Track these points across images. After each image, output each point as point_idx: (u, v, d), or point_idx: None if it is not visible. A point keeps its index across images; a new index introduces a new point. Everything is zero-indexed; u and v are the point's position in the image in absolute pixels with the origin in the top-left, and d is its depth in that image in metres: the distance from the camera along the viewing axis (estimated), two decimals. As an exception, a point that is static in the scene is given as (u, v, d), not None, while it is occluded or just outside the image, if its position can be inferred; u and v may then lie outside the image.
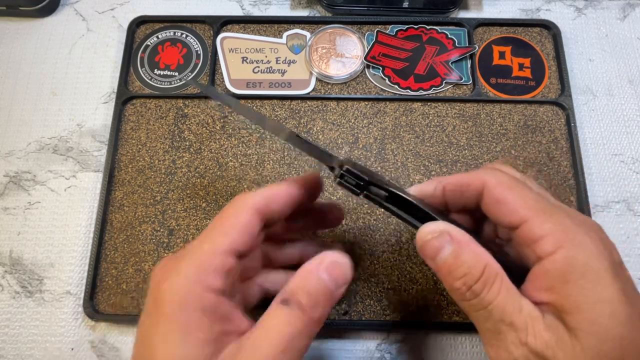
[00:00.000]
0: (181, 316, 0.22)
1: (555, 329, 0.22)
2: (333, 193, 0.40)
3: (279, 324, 0.23)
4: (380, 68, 0.44)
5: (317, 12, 0.48)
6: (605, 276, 0.22)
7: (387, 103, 0.43)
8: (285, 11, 0.48)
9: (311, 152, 0.27)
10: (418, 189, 0.28)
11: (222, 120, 0.43)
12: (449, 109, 0.43)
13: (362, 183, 0.26)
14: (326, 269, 0.24)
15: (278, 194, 0.26)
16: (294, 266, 0.27)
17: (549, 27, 0.46)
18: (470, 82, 0.44)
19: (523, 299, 0.23)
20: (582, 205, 0.39)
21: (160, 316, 0.22)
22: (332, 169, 0.26)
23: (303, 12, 0.48)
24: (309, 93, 0.44)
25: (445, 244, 0.24)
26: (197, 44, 0.46)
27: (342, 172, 0.25)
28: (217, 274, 0.23)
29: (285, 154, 0.42)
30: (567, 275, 0.22)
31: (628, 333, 0.21)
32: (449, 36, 0.45)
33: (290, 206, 0.27)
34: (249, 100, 0.43)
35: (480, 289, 0.23)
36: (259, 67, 0.45)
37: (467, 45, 0.45)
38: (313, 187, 0.28)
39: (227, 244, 0.24)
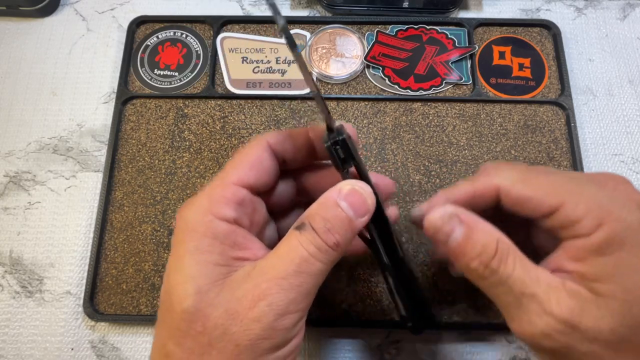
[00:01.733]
0: (192, 242, 0.23)
1: (578, 294, 0.22)
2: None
3: (291, 245, 0.23)
4: (380, 68, 0.44)
5: (317, 12, 0.48)
6: None
7: (387, 103, 0.43)
8: (285, 11, 0.48)
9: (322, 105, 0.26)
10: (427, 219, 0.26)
11: (222, 120, 0.43)
12: (449, 109, 0.43)
13: (349, 161, 0.25)
14: (345, 197, 0.24)
15: (295, 133, 0.27)
16: None
17: (549, 27, 0.46)
18: (470, 82, 0.44)
19: (539, 268, 0.23)
20: (582, 205, 0.39)
21: (176, 244, 0.24)
22: (330, 130, 0.25)
23: (303, 12, 0.48)
24: (309, 93, 0.44)
25: (456, 227, 0.24)
26: (197, 44, 0.46)
27: (337, 139, 0.24)
28: (229, 204, 0.24)
29: (285, 154, 0.42)
30: (604, 249, 0.22)
31: None
32: (449, 36, 0.45)
33: (306, 147, 0.27)
34: (249, 100, 0.43)
35: (497, 265, 0.23)
36: (259, 67, 0.45)
37: (467, 45, 0.45)
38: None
39: (237, 176, 0.25)
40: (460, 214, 0.24)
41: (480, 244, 0.23)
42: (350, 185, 0.24)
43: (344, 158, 0.25)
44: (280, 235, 0.29)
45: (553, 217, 0.24)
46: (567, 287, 0.23)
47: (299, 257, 0.23)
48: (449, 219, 0.24)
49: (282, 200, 0.29)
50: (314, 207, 0.24)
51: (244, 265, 0.24)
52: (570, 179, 0.25)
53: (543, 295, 0.22)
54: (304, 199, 0.30)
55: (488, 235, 0.24)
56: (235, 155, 0.26)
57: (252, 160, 0.26)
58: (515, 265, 0.23)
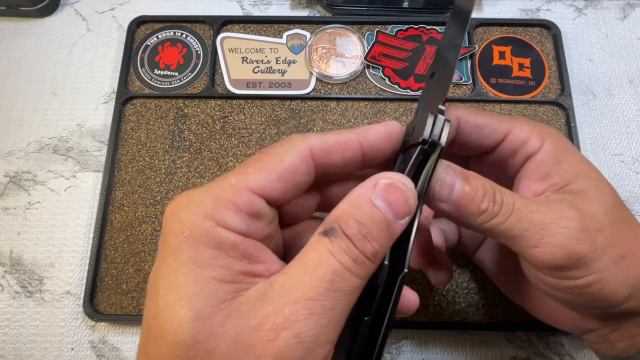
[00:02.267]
0: (189, 251, 0.18)
1: (564, 200, 0.24)
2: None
3: (319, 257, 0.19)
4: (380, 68, 0.44)
5: (317, 12, 0.48)
6: (576, 149, 0.26)
7: (387, 103, 0.43)
8: (285, 11, 0.48)
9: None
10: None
11: (222, 120, 0.43)
12: (449, 109, 0.43)
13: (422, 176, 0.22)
14: (382, 194, 0.20)
15: (344, 142, 0.22)
16: None
17: (549, 27, 0.46)
18: (470, 82, 0.44)
19: (525, 195, 0.25)
20: (582, 205, 0.39)
21: (168, 252, 0.19)
22: (436, 116, 0.21)
23: (303, 12, 0.48)
24: (309, 93, 0.44)
25: (455, 179, 0.23)
26: (197, 44, 0.46)
27: (435, 143, 0.21)
28: (238, 214, 0.19)
29: (285, 154, 0.42)
30: (559, 156, 0.25)
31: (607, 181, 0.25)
32: (449, 36, 0.45)
33: (355, 160, 0.23)
34: (249, 100, 0.43)
35: (500, 198, 0.23)
36: (259, 67, 0.45)
37: (467, 45, 0.45)
38: (388, 143, 0.23)
39: (259, 183, 0.20)
40: (451, 165, 0.23)
41: (480, 185, 0.23)
42: (387, 179, 0.20)
43: (437, 135, 0.21)
44: (287, 244, 0.25)
45: (506, 142, 0.25)
46: (553, 199, 0.24)
47: (331, 271, 0.18)
48: (448, 173, 0.23)
49: (300, 212, 0.24)
50: (343, 206, 0.20)
51: (257, 283, 0.19)
52: (505, 115, 0.27)
53: (549, 209, 0.23)
54: (323, 209, 0.26)
55: (480, 177, 0.24)
56: (265, 154, 0.21)
57: (283, 170, 0.20)
58: (512, 194, 0.23)
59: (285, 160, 0.21)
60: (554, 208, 0.23)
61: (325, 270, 0.18)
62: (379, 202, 0.20)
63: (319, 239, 0.19)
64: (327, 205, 0.25)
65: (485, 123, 0.26)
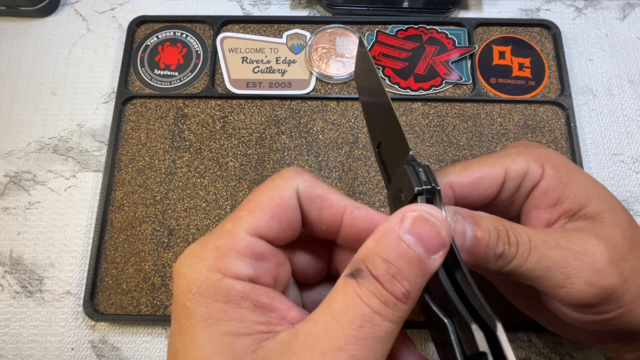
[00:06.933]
0: (199, 309, 0.18)
1: (582, 227, 0.23)
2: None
3: (346, 301, 0.17)
4: (380, 68, 0.44)
5: (317, 12, 0.48)
6: (578, 167, 0.25)
7: (387, 103, 0.43)
8: (285, 11, 0.48)
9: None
10: None
11: (222, 120, 0.43)
12: (449, 108, 0.43)
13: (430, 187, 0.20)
14: (410, 228, 0.18)
15: (330, 203, 0.21)
16: None
17: (549, 27, 0.46)
18: (470, 82, 0.44)
19: (539, 228, 0.23)
20: (582, 205, 0.39)
21: (180, 312, 0.19)
22: (412, 165, 0.21)
23: (303, 12, 0.48)
24: (309, 93, 0.44)
25: (465, 225, 0.21)
26: (197, 44, 0.46)
27: (420, 163, 0.20)
28: (242, 259, 0.19)
29: (285, 154, 0.42)
30: (563, 179, 0.23)
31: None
32: (449, 36, 0.45)
33: (333, 229, 0.22)
34: (249, 100, 0.44)
35: (515, 238, 0.22)
36: (259, 67, 0.45)
37: (467, 45, 0.45)
38: None
39: (253, 225, 0.20)
40: (459, 210, 0.22)
41: (492, 227, 0.22)
42: (415, 212, 0.18)
43: (426, 181, 0.20)
44: (306, 305, 0.24)
45: (507, 183, 0.24)
46: (570, 228, 0.23)
47: (360, 316, 0.17)
48: (456, 218, 0.21)
49: (309, 273, 0.23)
50: (369, 244, 0.18)
51: (278, 332, 0.18)
52: (493, 154, 0.26)
53: (568, 243, 0.22)
54: (333, 272, 0.25)
55: (490, 218, 0.22)
56: (255, 193, 0.21)
57: (274, 206, 0.20)
58: (525, 231, 0.22)
59: (275, 197, 0.20)
60: (574, 241, 0.22)
61: (352, 316, 0.17)
62: (407, 237, 0.18)
63: (345, 282, 0.18)
64: (336, 269, 0.24)
65: (479, 177, 0.24)
